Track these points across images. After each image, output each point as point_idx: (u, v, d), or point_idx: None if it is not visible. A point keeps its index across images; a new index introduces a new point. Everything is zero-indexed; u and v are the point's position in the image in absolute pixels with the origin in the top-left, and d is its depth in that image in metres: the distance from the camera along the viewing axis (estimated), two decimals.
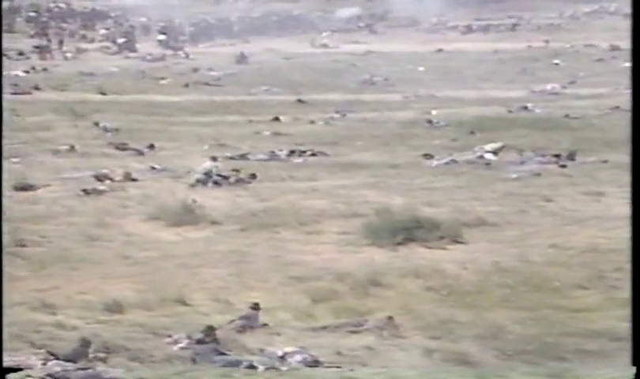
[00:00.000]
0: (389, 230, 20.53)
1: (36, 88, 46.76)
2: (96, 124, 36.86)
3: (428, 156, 30.95)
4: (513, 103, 44.14)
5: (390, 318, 15.79)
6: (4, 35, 65.19)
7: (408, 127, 38.07)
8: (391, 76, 56.33)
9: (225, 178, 26.92)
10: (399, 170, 29.23)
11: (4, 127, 30.19)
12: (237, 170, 27.60)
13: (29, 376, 13.60)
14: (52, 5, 75.80)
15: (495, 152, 31.05)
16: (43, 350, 14.83)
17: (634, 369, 9.92)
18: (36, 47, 60.05)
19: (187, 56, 61.50)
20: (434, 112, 41.14)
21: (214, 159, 28.14)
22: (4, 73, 51.42)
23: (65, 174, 27.78)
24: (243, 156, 31.11)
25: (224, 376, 14.20)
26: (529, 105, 43.50)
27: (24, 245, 20.62)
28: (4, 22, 69.12)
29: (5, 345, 15.10)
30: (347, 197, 24.74)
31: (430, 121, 38.80)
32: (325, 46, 70.32)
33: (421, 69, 60.12)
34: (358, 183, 26.85)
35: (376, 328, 15.70)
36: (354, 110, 42.65)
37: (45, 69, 53.62)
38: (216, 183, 26.63)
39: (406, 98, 48.22)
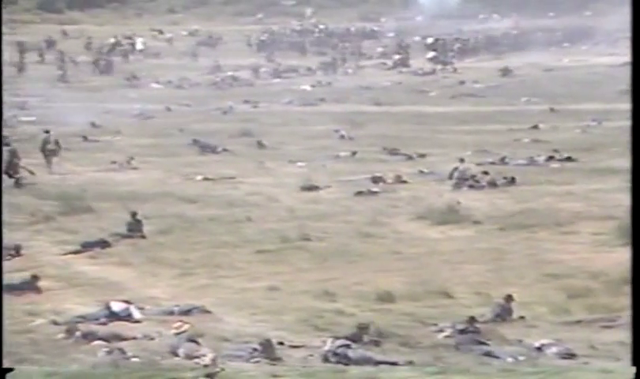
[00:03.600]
0: None
1: (321, 100, 47.77)
2: (373, 132, 37.36)
3: None
4: None
5: None
6: (295, 55, 67.11)
7: None
8: None
9: (478, 181, 26.69)
10: None
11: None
12: (485, 173, 27.26)
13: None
14: (333, 26, 77.41)
15: None
16: (325, 334, 15.15)
17: (634, 369, 9.16)
18: (322, 64, 61.39)
19: (455, 70, 61.16)
20: None
21: (462, 160, 27.85)
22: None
23: (344, 176, 28.24)
24: (503, 161, 30.66)
25: (481, 364, 14.06)
26: None
27: (308, 240, 21.12)
28: (295, 43, 71.17)
29: (291, 328, 15.55)
30: (601, 200, 23.95)
31: None
32: (584, 58, 68.32)
33: None
34: (612, 187, 25.90)
35: (629, 324, 15.10)
36: (610, 119, 41.14)
37: (329, 84, 54.70)
38: (473, 186, 26.39)
39: None
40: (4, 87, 47.93)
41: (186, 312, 16.08)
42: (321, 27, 76.71)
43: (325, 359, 14.36)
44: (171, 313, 16.09)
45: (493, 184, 26.61)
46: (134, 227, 21.38)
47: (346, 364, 14.15)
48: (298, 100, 47.63)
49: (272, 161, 31.11)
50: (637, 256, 8.97)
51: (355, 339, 14.76)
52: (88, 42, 66.69)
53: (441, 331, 15.33)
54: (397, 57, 64.42)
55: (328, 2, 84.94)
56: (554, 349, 14.27)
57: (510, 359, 14.18)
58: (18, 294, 16.93)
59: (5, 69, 54.78)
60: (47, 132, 29.97)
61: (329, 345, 14.52)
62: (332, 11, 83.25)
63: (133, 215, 21.68)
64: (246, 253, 20.06)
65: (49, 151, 29.06)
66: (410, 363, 14.00)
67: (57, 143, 29.30)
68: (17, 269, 18.31)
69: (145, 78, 54.10)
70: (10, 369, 9.60)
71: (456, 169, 27.34)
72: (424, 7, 74.81)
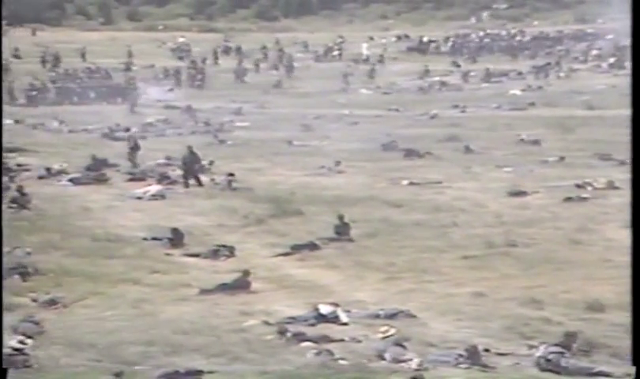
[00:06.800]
0: None
1: (531, 105, 46.98)
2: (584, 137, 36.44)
3: None
4: None
5: None
6: (506, 59, 66.19)
7: None
8: None
9: None
10: None
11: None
12: None
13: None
14: (548, 29, 75.93)
15: None
16: (532, 342, 14.88)
17: (634, 369, 8.42)
18: (533, 68, 60.39)
19: None
20: None
21: None
22: None
23: (552, 182, 27.66)
24: None
25: None
26: None
27: (514, 246, 20.81)
28: (506, 47, 70.16)
29: (497, 335, 15.35)
30: None
31: None
32: None
33: None
34: None
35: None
36: None
37: (540, 88, 53.72)
38: None
39: None
40: (223, 94, 49.80)
41: (392, 316, 16.14)
42: (534, 30, 75.38)
43: (537, 365, 14.10)
44: (377, 316, 16.19)
45: None
46: (342, 231, 21.66)
47: (557, 373, 13.86)
48: (507, 105, 47.02)
49: (479, 166, 30.83)
50: (637, 255, 8.53)
51: (563, 348, 14.43)
52: (300, 49, 68.22)
53: None
54: (612, 59, 62.49)
55: (543, 5, 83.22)
56: None
57: None
58: (231, 294, 17.50)
59: (224, 76, 56.82)
60: (128, 130, 31.35)
61: (541, 351, 14.27)
62: (547, 13, 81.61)
63: (341, 218, 21.98)
64: (451, 259, 19.96)
65: (136, 146, 30.52)
66: (627, 376, 13.55)
67: (131, 138, 30.81)
68: (231, 270, 18.91)
69: (355, 84, 54.76)
70: (6, 369, 9.68)
71: None
72: None
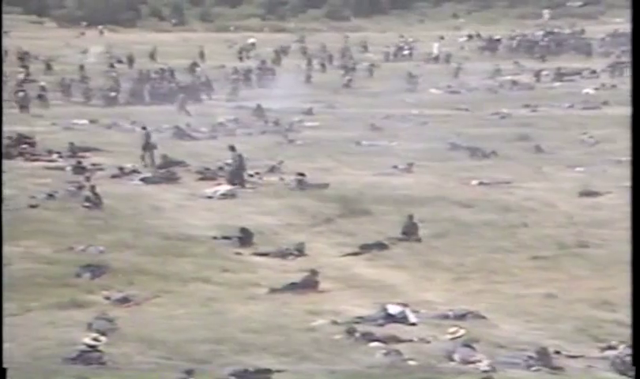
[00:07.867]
0: None
1: (604, 104, 46.28)
2: None
3: None
4: None
5: None
6: (580, 57, 65.31)
7: None
8: None
9: None
10: None
11: None
12: None
13: None
14: (623, 27, 74.70)
15: None
16: (604, 345, 14.73)
17: (634, 369, 8.19)
18: (608, 66, 59.38)
19: None
20: None
21: None
22: None
23: (625, 182, 27.13)
24: None
25: None
26: None
27: (586, 247, 20.60)
28: (580, 45, 69.20)
29: (568, 337, 15.20)
30: None
31: None
32: None
33: None
34: None
35: None
36: None
37: (614, 86, 52.85)
38: None
39: None
40: (292, 93, 49.99)
41: (461, 317, 16.08)
42: (608, 28, 74.21)
43: (613, 365, 13.94)
44: (446, 317, 16.15)
45: None
46: (410, 231, 21.63)
47: (630, 376, 13.69)
48: (579, 104, 46.40)
49: (550, 166, 30.52)
50: (637, 254, 8.32)
51: None
52: (370, 49, 68.14)
53: None
54: None
55: (619, 2, 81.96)
56: None
57: None
58: (300, 293, 17.56)
59: (294, 76, 56.91)
60: (144, 128, 31.53)
61: (620, 350, 14.10)
62: (622, 11, 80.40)
63: (410, 218, 21.94)
64: (521, 259, 19.81)
65: (149, 145, 30.66)
66: None
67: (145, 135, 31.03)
68: (299, 269, 18.99)
69: (424, 83, 54.53)
70: (6, 369, 9.58)
71: None
72: None
